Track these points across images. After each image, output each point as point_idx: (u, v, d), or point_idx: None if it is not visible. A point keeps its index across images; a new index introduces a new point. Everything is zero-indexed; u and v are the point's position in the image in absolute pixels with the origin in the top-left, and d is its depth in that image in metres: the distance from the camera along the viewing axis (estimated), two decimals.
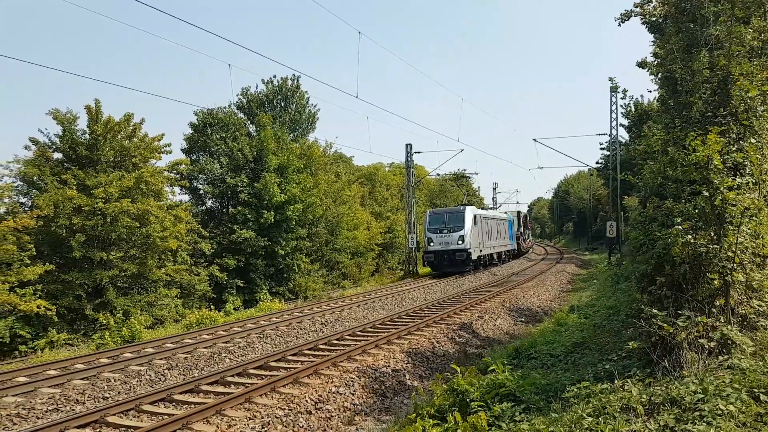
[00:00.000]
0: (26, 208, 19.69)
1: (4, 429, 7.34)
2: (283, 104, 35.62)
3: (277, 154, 27.76)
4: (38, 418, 7.77)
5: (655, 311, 6.51)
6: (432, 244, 29.61)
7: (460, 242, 28.98)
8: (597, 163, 47.81)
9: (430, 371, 10.66)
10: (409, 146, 36.61)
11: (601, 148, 45.05)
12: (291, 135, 33.59)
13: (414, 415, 6.81)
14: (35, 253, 17.75)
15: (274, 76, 35.69)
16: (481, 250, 31.32)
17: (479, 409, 6.26)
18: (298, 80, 35.77)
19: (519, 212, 51.69)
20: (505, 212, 47.43)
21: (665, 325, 6.24)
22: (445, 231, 29.42)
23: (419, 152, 39.57)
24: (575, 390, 6.25)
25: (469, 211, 30.25)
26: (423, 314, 16.18)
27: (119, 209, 19.03)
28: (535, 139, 38.17)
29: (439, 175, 58.48)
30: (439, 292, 22.43)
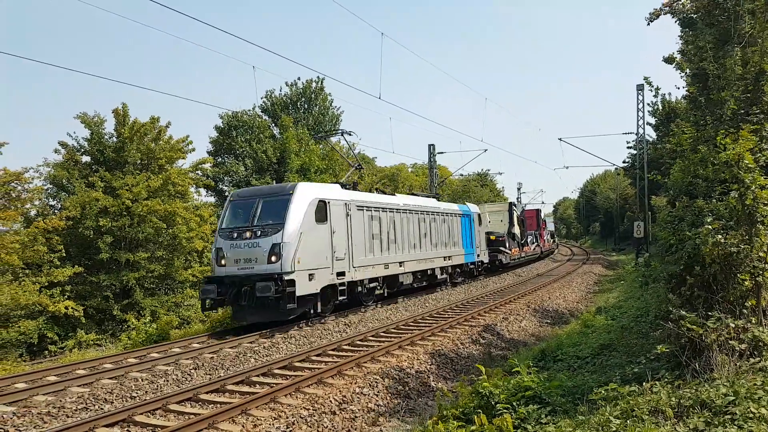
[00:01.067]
0: (56, 210, 20.18)
1: (35, 427, 7.47)
2: (306, 106, 35.93)
3: (299, 155, 27.99)
4: (68, 417, 7.89)
5: (684, 313, 6.38)
6: (223, 262, 14.43)
7: (273, 259, 13.71)
8: (624, 162, 47.01)
9: (455, 373, 10.60)
10: (431, 146, 36.54)
11: (628, 147, 44.28)
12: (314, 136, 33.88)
13: (438, 416, 6.77)
14: (64, 255, 18.18)
15: (299, 79, 36.02)
16: (338, 274, 15.53)
17: (505, 411, 6.21)
18: (321, 82, 36.02)
19: (511, 204, 36.49)
20: (463, 203, 28.58)
21: (695, 326, 6.11)
22: (248, 235, 14.24)
23: (442, 152, 38.51)
24: (603, 392, 6.16)
25: (305, 193, 14.80)
26: (447, 315, 16.09)
27: (148, 209, 19.38)
28: (560, 139, 37.13)
29: (462, 175, 58.33)
30: (462, 293, 22.33)
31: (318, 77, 36.13)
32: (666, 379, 6.11)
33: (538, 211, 47.18)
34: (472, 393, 6.91)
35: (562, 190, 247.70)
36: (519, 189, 72.46)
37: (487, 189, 64.88)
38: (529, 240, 39.92)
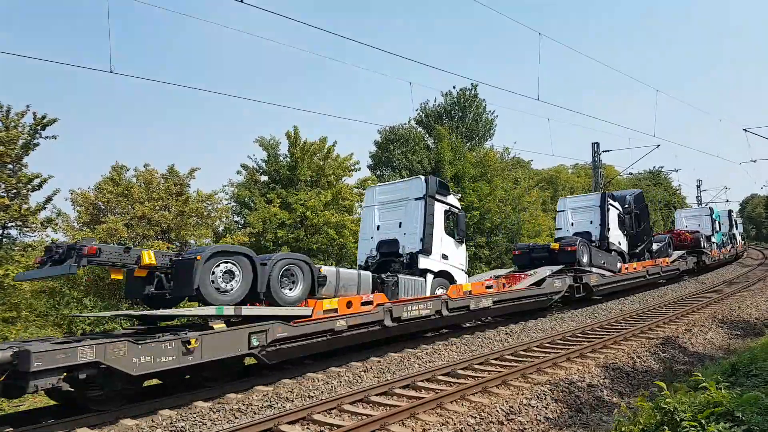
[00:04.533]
0: (240, 226, 22.54)
1: (228, 422, 8.25)
2: (460, 114, 35.95)
3: (453, 163, 28.12)
4: (255, 414, 8.56)
5: None
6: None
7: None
8: None
9: (631, 388, 9.82)
10: (595, 145, 34.44)
11: None
12: (468, 144, 33.73)
13: None
14: None
15: (454, 87, 36.16)
16: None
17: (692, 428, 5.61)
18: (475, 88, 35.80)
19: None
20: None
21: None
22: None
23: (608, 151, 35.55)
24: None
25: None
26: (619, 327, 15.01)
27: (323, 220, 20.89)
28: (745, 129, 32.68)
29: (632, 174, 54.14)
30: (636, 303, 20.66)
31: (472, 84, 35.95)
32: None
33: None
34: (653, 408, 6.34)
35: (750, 186, 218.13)
36: (699, 187, 65.06)
37: (661, 188, 59.46)
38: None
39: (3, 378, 7.14)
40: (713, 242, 36.15)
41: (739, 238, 47.02)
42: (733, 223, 44.82)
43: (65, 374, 7.46)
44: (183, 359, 8.52)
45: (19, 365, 7.05)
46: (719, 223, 39.04)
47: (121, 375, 7.99)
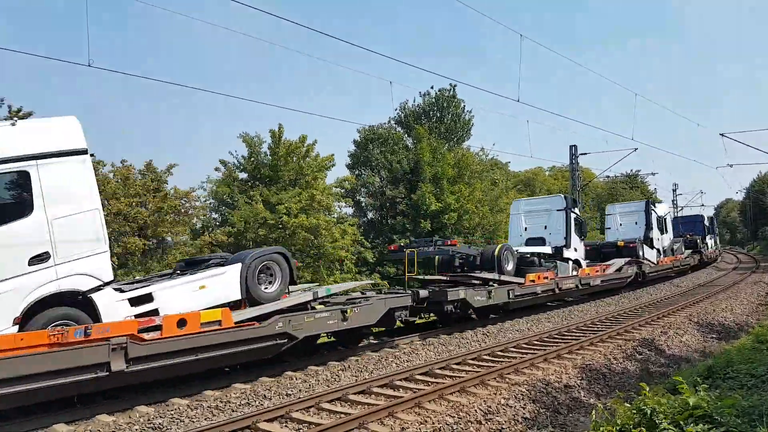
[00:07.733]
0: (217, 223, 22.26)
1: (205, 419, 8.15)
2: (439, 114, 36.00)
3: (433, 164, 28.21)
4: (233, 411, 8.46)
5: None
6: None
7: None
8: None
9: (608, 389, 9.92)
10: (573, 147, 34.83)
11: None
12: (446, 144, 33.85)
13: None
14: None
15: (432, 88, 36.21)
16: None
17: (670, 430, 5.67)
18: (454, 89, 35.88)
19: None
20: None
21: None
22: None
23: (585, 153, 35.61)
24: None
25: None
26: (595, 328, 15.17)
27: (297, 224, 20.72)
28: (722, 134, 33.03)
29: (608, 177, 54.96)
30: (612, 305, 20.97)
31: (450, 84, 36.01)
32: None
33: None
34: (632, 410, 6.40)
35: (725, 191, 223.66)
36: (674, 191, 66.40)
37: (638, 191, 60.51)
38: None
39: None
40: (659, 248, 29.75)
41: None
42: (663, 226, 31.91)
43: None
44: None
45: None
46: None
47: None
